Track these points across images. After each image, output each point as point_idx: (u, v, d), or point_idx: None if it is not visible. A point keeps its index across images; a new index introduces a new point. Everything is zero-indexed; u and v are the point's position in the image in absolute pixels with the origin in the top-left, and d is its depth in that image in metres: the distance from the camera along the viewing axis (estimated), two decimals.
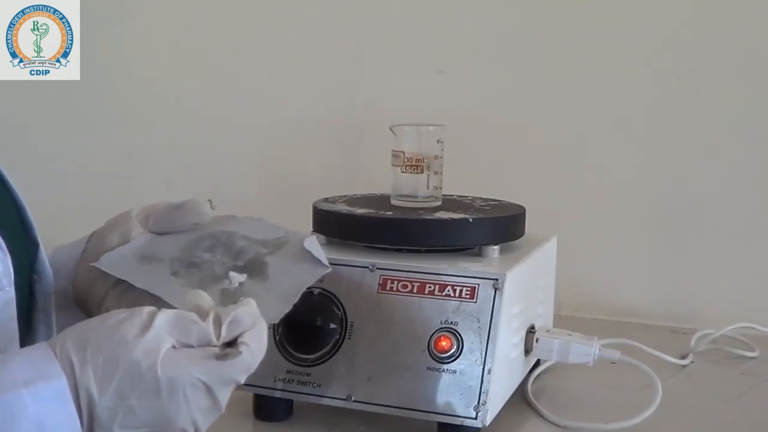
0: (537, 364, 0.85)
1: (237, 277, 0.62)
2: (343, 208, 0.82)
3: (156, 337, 0.50)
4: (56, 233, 0.69)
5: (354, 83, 1.21)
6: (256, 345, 0.52)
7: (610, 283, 1.12)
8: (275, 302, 0.61)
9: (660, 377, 0.77)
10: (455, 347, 0.69)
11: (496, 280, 0.71)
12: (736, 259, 1.08)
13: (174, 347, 0.51)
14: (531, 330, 0.78)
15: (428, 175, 0.83)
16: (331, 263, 0.72)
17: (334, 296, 0.73)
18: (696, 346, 0.96)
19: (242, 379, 0.52)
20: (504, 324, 0.70)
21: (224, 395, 0.52)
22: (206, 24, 1.28)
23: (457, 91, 1.16)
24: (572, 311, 1.09)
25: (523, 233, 0.83)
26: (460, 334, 0.70)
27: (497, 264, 0.75)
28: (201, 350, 0.52)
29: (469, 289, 0.71)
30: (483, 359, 0.69)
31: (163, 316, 0.51)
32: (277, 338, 0.73)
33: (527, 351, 0.78)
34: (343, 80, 1.21)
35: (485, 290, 0.70)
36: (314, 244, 0.66)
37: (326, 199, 0.86)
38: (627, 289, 1.12)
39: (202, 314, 0.52)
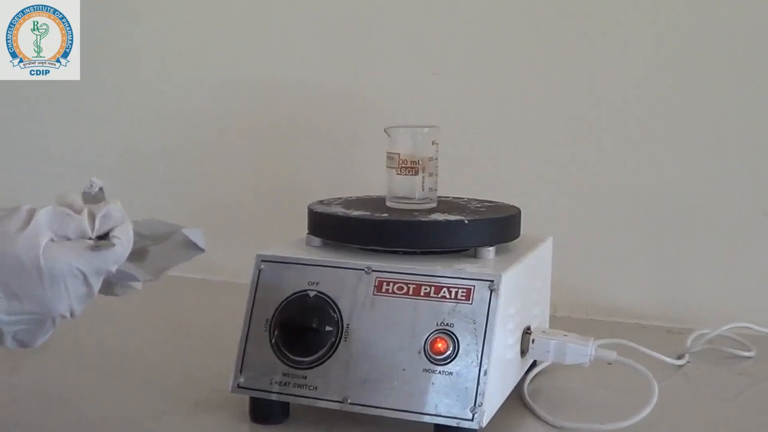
0: (533, 365, 0.85)
1: (97, 182, 0.64)
2: (338, 210, 0.81)
3: (35, 231, 0.55)
4: None
5: (349, 85, 1.21)
6: (126, 238, 0.59)
7: (605, 284, 1.12)
8: (144, 273, 0.65)
9: (656, 377, 0.76)
10: (451, 349, 0.69)
11: (492, 281, 0.70)
12: (732, 259, 1.08)
13: (53, 240, 0.56)
14: (527, 331, 0.78)
15: (423, 176, 0.82)
16: (326, 265, 0.73)
17: (330, 299, 0.72)
18: (692, 346, 0.96)
19: (114, 269, 0.58)
20: (500, 325, 0.70)
21: (98, 283, 0.58)
22: (205, 25, 1.28)
23: (452, 93, 1.16)
24: (568, 312, 1.09)
25: (519, 234, 0.83)
26: (456, 336, 0.69)
27: (493, 265, 0.74)
28: (78, 242, 0.57)
29: (465, 290, 0.70)
30: (479, 361, 0.68)
31: (42, 212, 0.56)
32: (273, 341, 0.73)
33: (523, 352, 0.78)
34: (338, 82, 1.21)
35: (481, 292, 0.70)
36: (195, 232, 0.67)
37: (321, 202, 0.85)
38: (623, 290, 1.12)
39: (77, 210, 0.58)
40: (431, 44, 1.17)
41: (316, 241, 0.80)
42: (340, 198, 0.88)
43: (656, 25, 1.09)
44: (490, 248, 0.77)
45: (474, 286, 0.70)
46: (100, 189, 0.64)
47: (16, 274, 0.54)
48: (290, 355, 0.72)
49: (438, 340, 0.69)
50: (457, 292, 0.71)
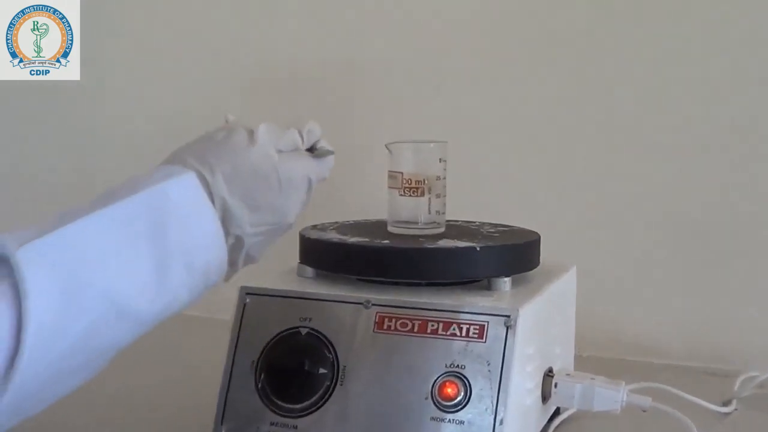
0: (557, 412, 0.81)
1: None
2: (333, 236, 0.79)
3: (265, 144, 0.62)
4: None
5: (349, 98, 1.19)
6: (330, 148, 0.68)
7: (637, 319, 1.06)
8: None
9: (699, 427, 0.72)
10: (462, 394, 0.66)
11: (508, 316, 0.67)
12: None
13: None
14: (549, 373, 0.74)
15: (429, 198, 0.79)
16: (320, 299, 0.72)
17: (324, 337, 0.70)
18: (740, 390, 0.90)
19: (328, 175, 0.68)
20: (517, 367, 0.67)
21: (313, 191, 0.66)
22: (205, 25, 1.29)
23: (460, 105, 1.13)
24: (595, 351, 1.03)
25: (538, 263, 0.80)
26: (467, 379, 0.66)
27: (509, 298, 0.72)
28: (300, 152, 0.66)
29: (478, 327, 0.67)
30: (494, 408, 0.65)
31: (262, 127, 0.63)
32: (260, 385, 0.70)
33: (545, 398, 0.74)
34: (337, 96, 1.19)
35: (495, 328, 0.67)
36: None
37: (315, 227, 0.83)
38: (658, 326, 1.06)
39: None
40: (437, 55, 1.15)
41: (309, 271, 0.78)
42: (335, 222, 0.86)
43: (670, 34, 1.04)
44: (506, 279, 0.75)
45: (488, 322, 0.68)
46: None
47: (256, 185, 0.61)
48: (279, 402, 0.70)
49: (447, 384, 0.67)
50: (468, 329, 0.68)
